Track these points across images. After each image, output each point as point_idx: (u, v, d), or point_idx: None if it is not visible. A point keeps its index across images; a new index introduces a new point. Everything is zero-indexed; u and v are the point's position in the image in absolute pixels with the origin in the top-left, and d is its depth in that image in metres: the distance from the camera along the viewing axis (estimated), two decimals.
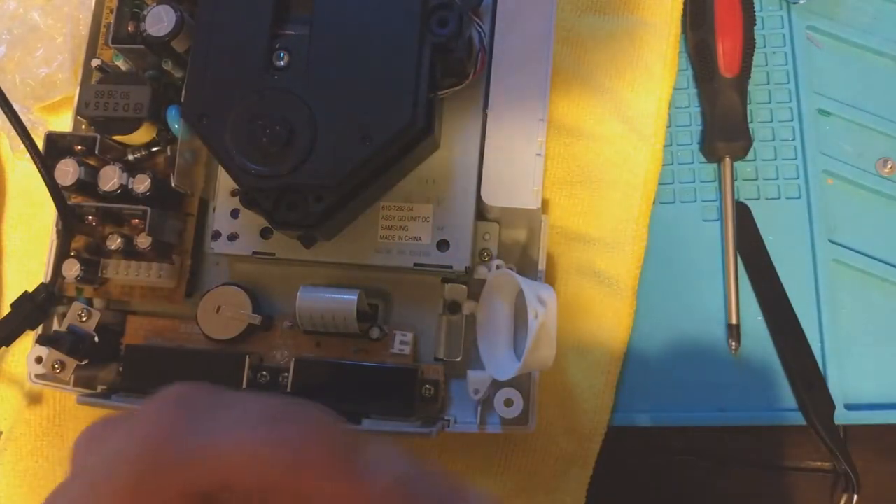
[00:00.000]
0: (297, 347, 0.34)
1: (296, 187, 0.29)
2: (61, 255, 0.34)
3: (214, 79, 0.30)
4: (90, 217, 0.34)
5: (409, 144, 0.31)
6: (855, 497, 0.35)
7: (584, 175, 0.38)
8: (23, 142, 0.32)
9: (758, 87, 0.41)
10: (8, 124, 0.33)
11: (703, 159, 0.40)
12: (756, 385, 0.37)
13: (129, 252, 0.33)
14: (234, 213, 0.34)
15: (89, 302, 0.35)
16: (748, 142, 0.39)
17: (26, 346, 0.36)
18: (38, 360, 0.34)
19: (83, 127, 0.36)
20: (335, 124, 0.29)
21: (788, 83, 0.41)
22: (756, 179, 0.40)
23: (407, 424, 0.31)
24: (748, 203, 0.39)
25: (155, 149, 0.35)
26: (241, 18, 0.30)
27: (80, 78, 0.36)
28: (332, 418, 0.18)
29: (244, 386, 0.33)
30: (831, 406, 0.36)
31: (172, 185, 0.34)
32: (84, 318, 0.34)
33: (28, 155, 0.32)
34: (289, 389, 0.33)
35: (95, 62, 0.35)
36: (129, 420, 0.18)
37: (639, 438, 0.37)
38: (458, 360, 0.34)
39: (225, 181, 0.34)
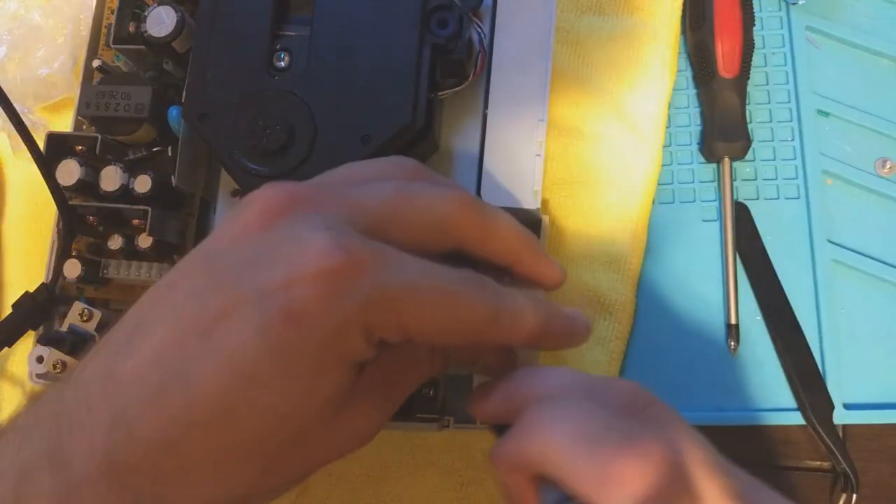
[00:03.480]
0: None
1: None
2: (62, 255, 0.34)
3: (215, 79, 0.30)
4: (91, 217, 0.34)
5: (409, 145, 0.31)
6: (854, 496, 0.35)
7: (584, 175, 0.38)
8: (24, 142, 0.32)
9: (757, 87, 0.41)
10: (9, 124, 0.33)
11: (703, 159, 0.40)
12: (755, 385, 0.37)
13: (131, 252, 0.33)
14: None
15: (90, 302, 0.35)
16: (747, 142, 0.39)
17: (27, 346, 0.36)
18: (40, 359, 0.34)
19: (84, 127, 0.36)
20: (335, 125, 0.29)
21: (787, 84, 0.41)
22: (755, 180, 0.40)
23: (407, 424, 0.31)
24: (747, 203, 0.39)
25: (156, 149, 0.35)
26: (242, 19, 0.30)
27: (80, 78, 0.36)
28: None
29: None
30: (830, 406, 0.36)
31: (173, 185, 0.34)
32: (85, 319, 0.34)
33: (29, 155, 0.33)
34: None
35: (96, 62, 0.35)
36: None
37: None
38: None
39: (226, 181, 0.34)
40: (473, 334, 0.22)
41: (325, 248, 0.19)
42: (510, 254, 0.24)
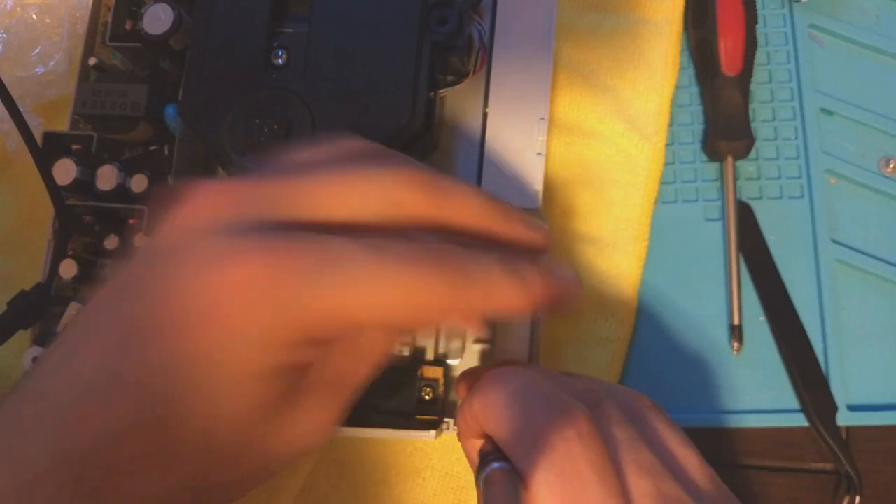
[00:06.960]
0: None
1: None
2: (58, 255, 0.34)
3: (212, 77, 0.30)
4: (87, 217, 0.34)
5: (408, 143, 0.30)
6: (857, 499, 0.35)
7: (586, 174, 0.38)
8: (25, 140, 0.32)
9: (760, 85, 0.41)
10: (3, 123, 0.32)
11: (705, 158, 0.40)
12: (758, 386, 0.37)
13: (128, 252, 0.33)
14: None
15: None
16: (750, 141, 0.39)
17: (24, 346, 0.36)
18: (36, 360, 0.33)
19: (80, 126, 0.35)
20: (333, 123, 0.29)
21: (791, 82, 0.41)
22: (758, 179, 0.40)
23: (406, 432, 0.31)
24: (750, 202, 0.39)
25: (152, 147, 0.35)
26: (239, 17, 0.30)
27: (76, 77, 0.36)
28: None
29: None
30: (833, 407, 0.36)
31: (170, 184, 0.33)
32: None
33: (22, 154, 0.32)
34: None
35: (92, 61, 0.35)
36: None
37: None
38: (458, 361, 0.34)
39: None
40: (436, 314, 0.21)
41: (247, 256, 0.19)
42: (478, 225, 0.23)
